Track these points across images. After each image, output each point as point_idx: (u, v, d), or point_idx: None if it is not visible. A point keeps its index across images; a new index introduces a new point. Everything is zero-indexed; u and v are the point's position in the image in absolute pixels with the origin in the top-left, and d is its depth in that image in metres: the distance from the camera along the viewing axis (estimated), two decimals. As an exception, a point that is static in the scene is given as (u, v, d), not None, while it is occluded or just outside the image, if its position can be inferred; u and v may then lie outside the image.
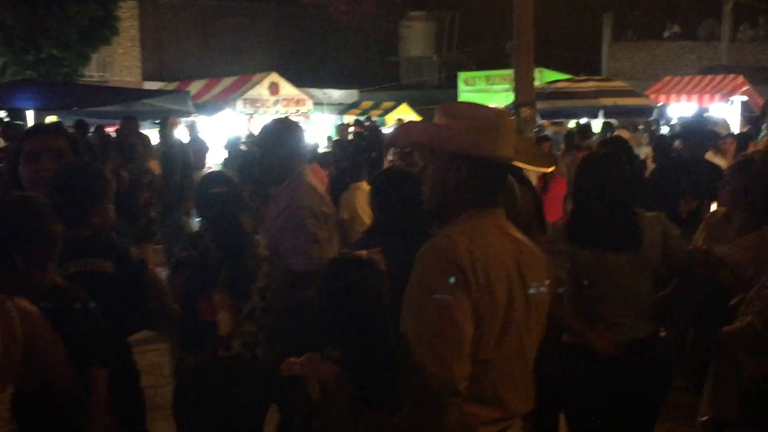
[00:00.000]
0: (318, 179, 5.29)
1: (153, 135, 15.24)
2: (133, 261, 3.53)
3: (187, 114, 16.51)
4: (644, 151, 11.88)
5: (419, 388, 2.41)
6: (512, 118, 2.65)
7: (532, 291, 2.60)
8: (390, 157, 10.34)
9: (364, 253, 2.85)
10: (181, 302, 3.71)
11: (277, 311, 4.07)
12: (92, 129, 13.65)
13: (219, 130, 17.18)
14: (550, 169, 3.03)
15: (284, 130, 4.45)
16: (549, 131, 15.55)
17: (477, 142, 2.49)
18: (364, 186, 7.85)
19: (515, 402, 2.59)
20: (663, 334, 4.10)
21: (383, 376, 2.66)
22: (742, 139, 12.36)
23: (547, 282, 2.70)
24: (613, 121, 15.58)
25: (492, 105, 2.67)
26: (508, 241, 2.59)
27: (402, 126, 2.77)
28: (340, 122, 20.55)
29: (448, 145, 2.56)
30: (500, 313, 2.50)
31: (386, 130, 19.93)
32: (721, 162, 9.34)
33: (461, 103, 2.68)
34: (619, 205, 3.71)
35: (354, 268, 2.81)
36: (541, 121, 16.00)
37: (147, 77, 28.00)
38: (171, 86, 20.80)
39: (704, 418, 3.86)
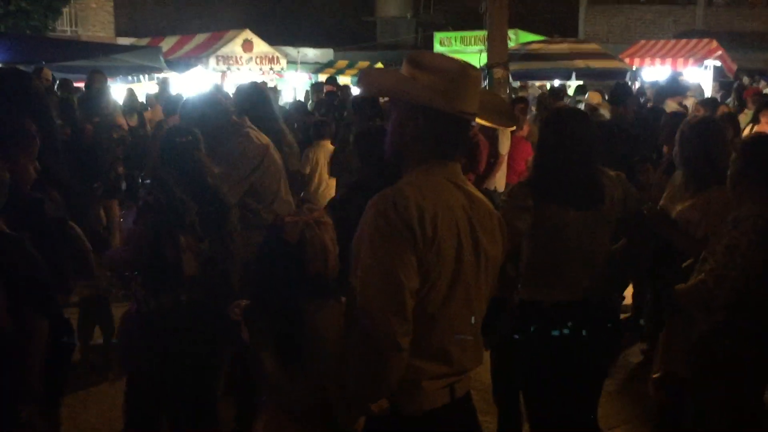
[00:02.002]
0: None
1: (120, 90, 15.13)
2: (47, 221, 3.50)
3: (159, 70, 16.32)
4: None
5: (362, 343, 2.41)
6: (478, 72, 2.61)
7: (482, 247, 2.59)
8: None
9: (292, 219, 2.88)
10: (147, 245, 3.72)
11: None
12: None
13: (191, 88, 17.02)
14: (511, 128, 3.03)
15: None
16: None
17: (436, 95, 2.46)
18: (327, 144, 8.27)
19: (462, 358, 2.59)
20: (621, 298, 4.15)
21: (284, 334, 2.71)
22: (710, 103, 12.42)
23: (500, 239, 2.71)
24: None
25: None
26: (461, 196, 2.57)
27: (366, 72, 2.75)
28: (314, 81, 20.38)
29: (407, 95, 2.54)
30: (448, 268, 2.49)
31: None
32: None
33: (429, 53, 2.64)
34: (582, 160, 3.71)
35: (269, 235, 2.92)
36: (515, 83, 16.00)
37: (120, 33, 27.56)
38: (143, 42, 20.52)
39: (656, 375, 3.92)
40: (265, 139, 5.10)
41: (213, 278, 3.90)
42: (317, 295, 2.79)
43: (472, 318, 2.60)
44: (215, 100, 4.93)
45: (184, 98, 5.80)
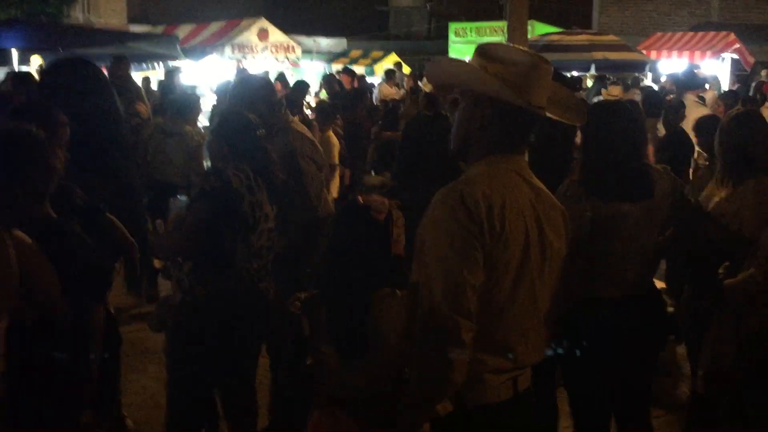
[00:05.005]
0: None
1: (138, 79, 15.11)
2: (77, 209, 3.45)
3: (175, 58, 16.30)
4: (638, 109, 11.82)
5: (424, 340, 2.39)
6: (549, 65, 2.58)
7: (548, 241, 2.56)
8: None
9: (370, 199, 2.85)
10: (201, 232, 3.69)
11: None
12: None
13: (206, 76, 17.01)
14: (580, 123, 3.02)
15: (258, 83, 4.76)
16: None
17: (505, 87, 2.43)
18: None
19: (526, 352, 2.57)
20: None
21: (357, 324, 2.68)
22: (730, 96, 12.37)
23: (564, 233, 2.68)
24: (611, 77, 15.56)
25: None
26: (528, 189, 2.54)
27: (437, 61, 2.71)
28: (327, 72, 20.31)
29: (476, 86, 2.51)
30: (514, 262, 2.46)
31: (374, 79, 19.75)
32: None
33: (500, 44, 2.59)
34: (630, 153, 3.69)
35: (351, 217, 2.83)
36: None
37: (132, 20, 27.49)
38: (157, 30, 20.47)
39: (702, 372, 3.90)
40: (309, 132, 5.05)
41: (257, 268, 3.89)
42: (392, 281, 2.76)
43: (537, 313, 2.58)
44: (272, 88, 4.85)
45: (239, 76, 5.72)
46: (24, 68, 13.61)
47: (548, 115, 2.57)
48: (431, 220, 2.43)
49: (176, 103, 7.83)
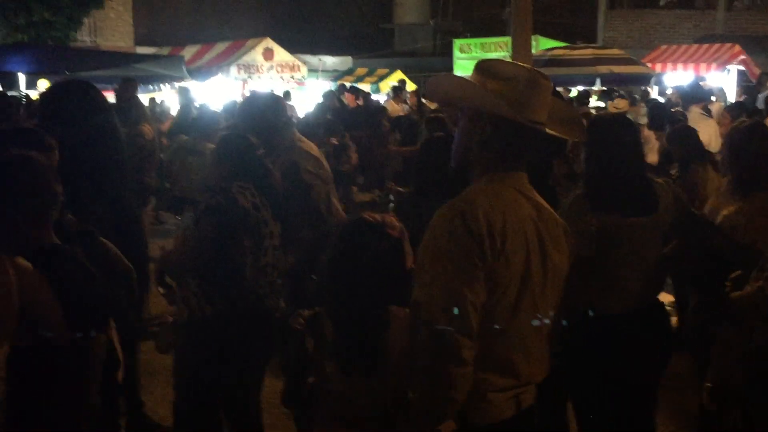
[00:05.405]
0: None
1: (145, 100, 15.19)
2: (69, 235, 3.46)
3: (181, 79, 16.39)
4: (644, 122, 11.83)
5: (425, 358, 2.38)
6: (548, 81, 2.56)
7: (550, 258, 2.55)
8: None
9: (378, 217, 2.82)
10: (208, 247, 3.71)
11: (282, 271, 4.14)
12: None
13: (212, 96, 17.08)
14: (581, 139, 3.01)
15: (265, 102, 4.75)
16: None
17: (503, 103, 2.42)
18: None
19: (529, 370, 2.56)
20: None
21: (367, 342, 2.65)
22: (736, 107, 12.35)
23: (566, 249, 2.66)
24: (619, 90, 15.54)
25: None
26: (529, 206, 2.53)
27: (436, 78, 2.71)
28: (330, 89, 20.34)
29: (475, 102, 2.51)
30: (516, 279, 2.45)
31: (379, 96, 19.79)
32: (712, 126, 9.49)
33: (499, 60, 2.59)
34: (634, 166, 3.68)
35: (365, 234, 2.77)
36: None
37: (139, 42, 27.67)
38: (164, 51, 20.63)
39: (709, 385, 3.86)
40: (315, 150, 5.04)
41: (263, 285, 3.89)
42: (402, 298, 2.74)
43: (540, 330, 2.57)
44: (280, 106, 4.87)
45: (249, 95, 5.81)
46: (31, 92, 13.72)
47: (548, 131, 2.56)
48: (432, 238, 2.42)
49: (200, 123, 8.25)
